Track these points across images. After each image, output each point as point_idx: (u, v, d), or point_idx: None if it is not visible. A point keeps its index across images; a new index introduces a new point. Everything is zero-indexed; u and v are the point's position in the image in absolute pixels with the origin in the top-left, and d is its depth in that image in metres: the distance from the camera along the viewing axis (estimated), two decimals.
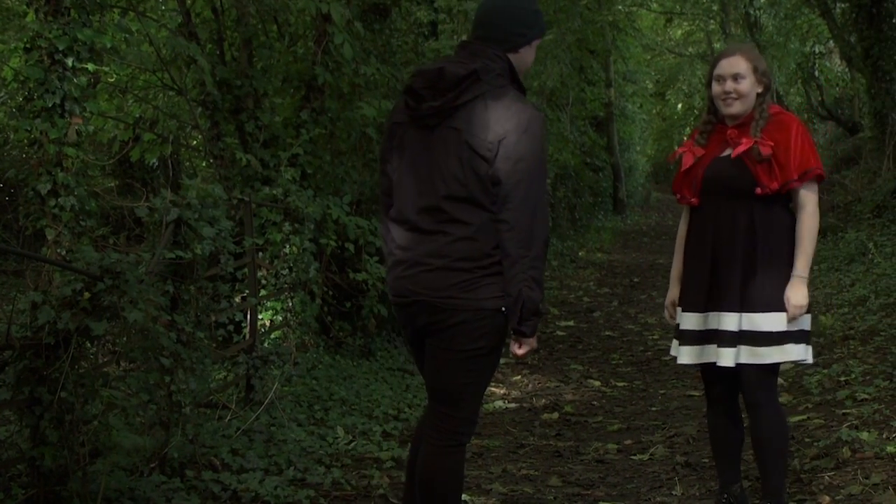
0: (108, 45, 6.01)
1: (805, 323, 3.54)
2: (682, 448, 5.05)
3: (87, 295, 3.48)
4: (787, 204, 3.59)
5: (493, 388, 6.69)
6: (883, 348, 6.48)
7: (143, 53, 7.54)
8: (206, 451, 4.38)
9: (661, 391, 6.63)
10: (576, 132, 18.54)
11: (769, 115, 3.55)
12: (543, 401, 6.47)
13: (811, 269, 3.63)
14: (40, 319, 3.39)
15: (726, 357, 3.52)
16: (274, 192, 6.54)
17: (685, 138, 3.93)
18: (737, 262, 3.52)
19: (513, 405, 6.38)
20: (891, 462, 4.18)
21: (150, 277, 3.75)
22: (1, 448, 3.56)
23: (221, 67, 7.08)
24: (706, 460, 4.67)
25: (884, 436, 4.53)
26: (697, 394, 6.17)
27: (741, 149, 3.50)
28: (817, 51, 22.01)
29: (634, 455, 5.02)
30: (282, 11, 7.48)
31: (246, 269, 5.94)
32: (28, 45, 5.71)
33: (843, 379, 5.89)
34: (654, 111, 34.33)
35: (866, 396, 5.34)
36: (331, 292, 7.23)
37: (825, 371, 6.14)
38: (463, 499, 3.48)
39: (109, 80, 8.20)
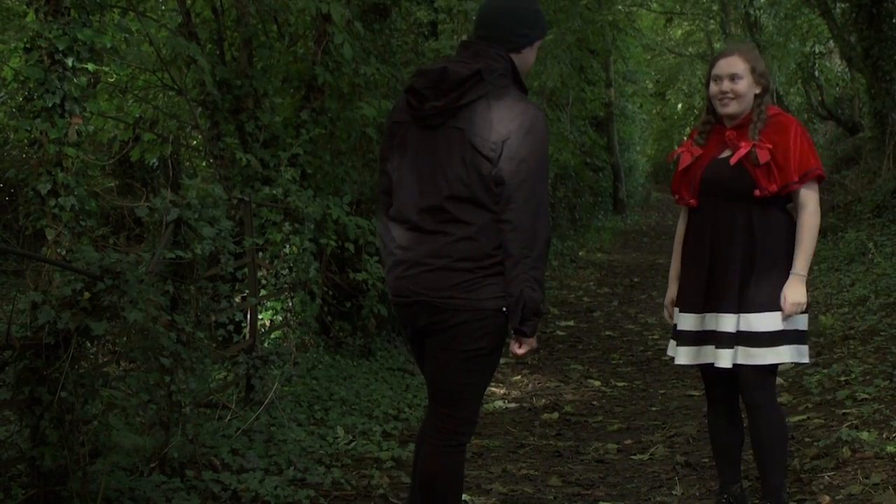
0: (108, 45, 6.00)
1: (801, 323, 3.54)
2: (683, 448, 5.05)
3: (87, 295, 3.48)
4: (784, 205, 3.59)
5: (493, 388, 6.69)
6: (883, 348, 6.48)
7: (143, 53, 7.53)
8: (206, 451, 4.38)
9: (662, 391, 6.63)
10: (576, 132, 18.54)
11: (767, 117, 3.55)
12: (543, 401, 6.47)
13: (811, 269, 3.63)
14: (40, 319, 3.39)
15: (724, 358, 3.52)
16: (274, 192, 6.54)
17: (685, 138, 3.93)
18: (735, 264, 3.53)
19: (513, 405, 6.38)
20: (891, 462, 4.18)
21: (150, 277, 3.75)
22: (1, 448, 3.56)
23: (221, 67, 7.08)
24: (706, 460, 4.67)
25: (884, 436, 4.53)
26: (697, 394, 6.17)
27: (741, 153, 3.50)
28: (817, 51, 22.01)
29: (634, 455, 5.02)
30: (282, 11, 7.48)
31: (246, 269, 5.94)
32: (28, 45, 5.71)
33: (843, 379, 5.88)
34: (654, 111, 34.35)
35: (866, 396, 5.34)
36: (331, 292, 7.23)
37: (825, 371, 6.14)
38: (463, 499, 3.48)
39: (109, 80, 8.20)
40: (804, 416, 5.26)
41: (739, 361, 3.51)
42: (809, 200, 3.51)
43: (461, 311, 2.98)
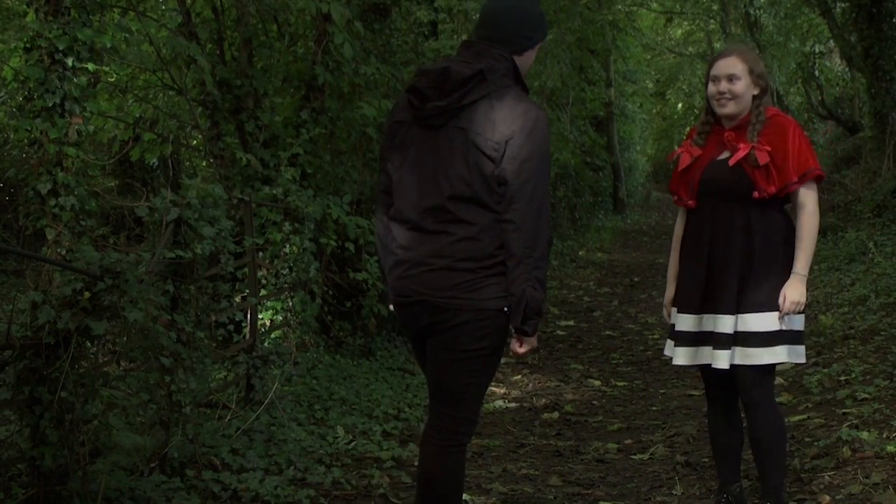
0: (108, 45, 6.00)
1: (798, 324, 3.54)
2: (683, 447, 5.05)
3: (87, 295, 3.48)
4: (782, 206, 3.60)
5: (493, 388, 6.69)
6: (883, 348, 6.48)
7: (143, 53, 7.54)
8: (207, 450, 4.38)
9: (662, 391, 6.63)
10: (576, 132, 18.54)
11: (766, 118, 3.55)
12: (544, 400, 6.47)
13: (811, 269, 3.63)
14: (40, 319, 3.39)
15: (721, 359, 3.52)
16: (274, 191, 6.54)
17: (685, 138, 3.93)
18: (733, 264, 3.53)
19: (513, 405, 6.38)
20: (891, 461, 4.18)
21: (150, 277, 3.75)
22: (1, 448, 3.56)
23: (221, 67, 7.08)
24: (706, 460, 4.67)
25: (884, 435, 4.53)
26: (697, 393, 6.17)
27: (739, 155, 3.50)
28: (817, 50, 21.99)
29: (634, 454, 5.02)
30: (282, 11, 7.48)
31: (246, 269, 5.94)
32: (28, 45, 5.71)
33: (843, 378, 5.89)
34: (654, 111, 34.34)
35: (866, 396, 5.34)
36: (331, 292, 7.23)
37: (825, 371, 6.14)
38: (463, 498, 3.48)
39: (109, 79, 8.20)
40: (804, 416, 5.26)
41: (737, 361, 3.51)
42: (808, 200, 3.52)
43: (463, 310, 2.98)
